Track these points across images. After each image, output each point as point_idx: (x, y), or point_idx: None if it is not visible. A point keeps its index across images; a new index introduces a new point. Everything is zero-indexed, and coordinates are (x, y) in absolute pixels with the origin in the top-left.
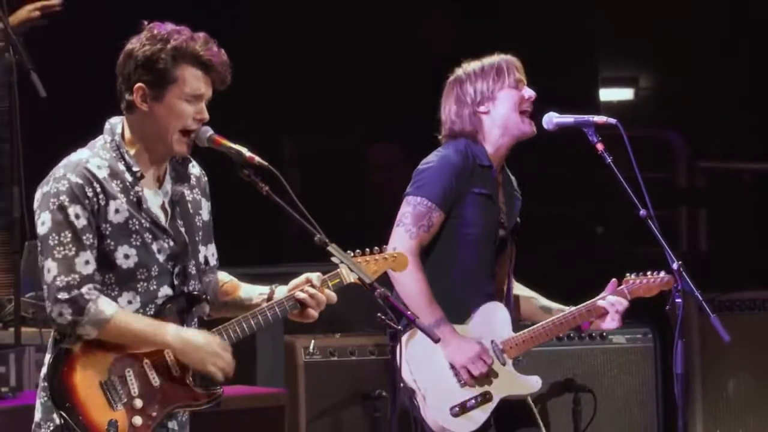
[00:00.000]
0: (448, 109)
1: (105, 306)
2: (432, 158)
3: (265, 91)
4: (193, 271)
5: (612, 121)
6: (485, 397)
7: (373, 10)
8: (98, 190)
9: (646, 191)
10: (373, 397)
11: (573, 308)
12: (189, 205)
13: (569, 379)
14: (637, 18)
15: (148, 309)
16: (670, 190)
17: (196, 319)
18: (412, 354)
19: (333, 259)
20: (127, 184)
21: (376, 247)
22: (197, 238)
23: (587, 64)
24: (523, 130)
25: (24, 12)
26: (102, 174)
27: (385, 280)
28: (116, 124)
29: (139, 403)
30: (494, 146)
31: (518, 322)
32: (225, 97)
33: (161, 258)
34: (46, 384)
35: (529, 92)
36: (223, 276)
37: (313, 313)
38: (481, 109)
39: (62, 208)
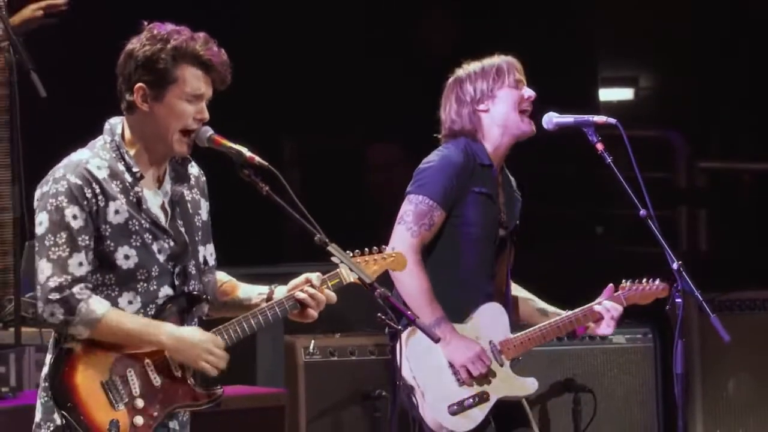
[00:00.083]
0: (448, 109)
1: (96, 305)
2: (433, 157)
3: (265, 91)
4: (194, 271)
5: (612, 120)
6: (482, 397)
7: (373, 10)
8: (97, 191)
9: (646, 191)
10: (373, 397)
11: (569, 312)
12: (189, 205)
13: (569, 378)
14: (637, 18)
15: (149, 309)
16: (670, 190)
17: (196, 319)
18: (412, 351)
19: (333, 258)
20: (127, 184)
21: (375, 247)
22: (197, 238)
23: (587, 64)
24: (523, 129)
25: (28, 11)
26: (102, 175)
27: (385, 279)
28: (116, 124)
29: (140, 402)
30: (494, 145)
31: (517, 323)
32: (225, 97)
33: (161, 258)
34: (47, 384)
35: (528, 92)
36: (222, 276)
37: (313, 313)
38: (481, 107)
39: (60, 209)
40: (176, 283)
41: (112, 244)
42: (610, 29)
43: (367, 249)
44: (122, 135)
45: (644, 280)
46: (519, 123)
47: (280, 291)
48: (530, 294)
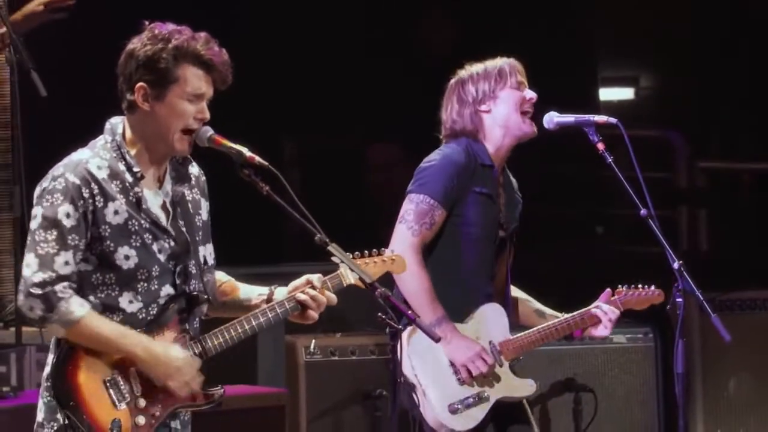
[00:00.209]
0: (450, 109)
1: (76, 307)
2: (434, 156)
3: (265, 91)
4: (194, 271)
5: (613, 120)
6: (482, 397)
7: (373, 10)
8: (96, 191)
9: (646, 191)
10: (374, 397)
11: (567, 315)
12: (189, 205)
13: (570, 378)
14: (637, 18)
15: (150, 308)
16: (670, 189)
17: (197, 319)
18: (413, 350)
19: (333, 258)
20: (127, 184)
21: (375, 249)
22: (198, 238)
23: (587, 64)
24: (525, 130)
25: (30, 6)
26: (102, 175)
27: (386, 278)
28: (117, 124)
29: (142, 402)
30: (495, 146)
31: (516, 324)
32: (225, 97)
33: (162, 258)
34: (49, 383)
35: (530, 93)
36: (221, 276)
37: (314, 314)
38: (483, 108)
39: (53, 206)
40: (177, 282)
41: (112, 245)
42: (610, 29)
43: (366, 251)
44: (123, 135)
45: (640, 286)
46: (520, 124)
47: (280, 292)
48: (527, 295)
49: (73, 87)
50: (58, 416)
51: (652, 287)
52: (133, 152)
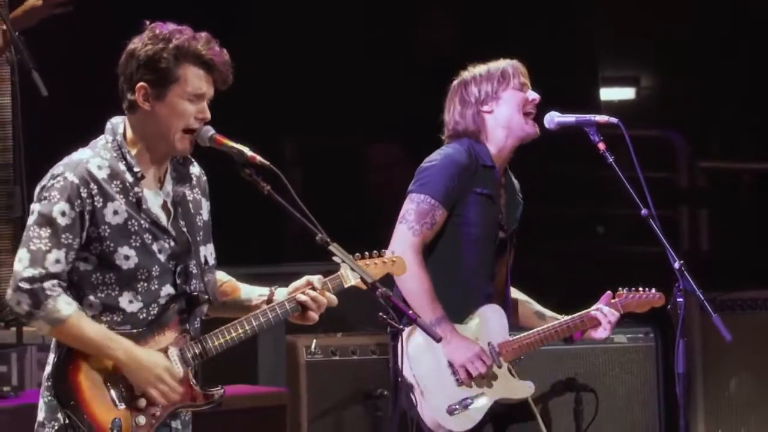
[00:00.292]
0: (452, 110)
1: (63, 306)
2: (435, 156)
3: (265, 91)
4: (195, 271)
5: (614, 120)
6: (479, 398)
7: (373, 10)
8: (95, 191)
9: (647, 191)
10: (375, 397)
11: (567, 317)
12: (190, 205)
13: (571, 378)
14: (638, 18)
15: (151, 308)
16: (671, 189)
17: (198, 319)
18: (412, 350)
19: (334, 258)
20: (127, 184)
21: (375, 251)
22: (198, 238)
23: (588, 64)
24: (527, 131)
25: (30, 1)
26: (101, 175)
27: (386, 278)
28: (118, 123)
29: (142, 402)
30: (497, 147)
31: (515, 326)
32: (226, 97)
33: (162, 258)
34: (50, 383)
35: (533, 95)
36: (222, 276)
37: (314, 315)
38: (485, 108)
39: (50, 204)
40: (178, 282)
41: (112, 245)
42: (611, 29)
43: (367, 252)
44: (124, 134)
45: (641, 289)
46: (523, 125)
47: (281, 293)
48: (527, 297)
49: (73, 87)
50: (59, 416)
51: (653, 290)
52: (133, 152)
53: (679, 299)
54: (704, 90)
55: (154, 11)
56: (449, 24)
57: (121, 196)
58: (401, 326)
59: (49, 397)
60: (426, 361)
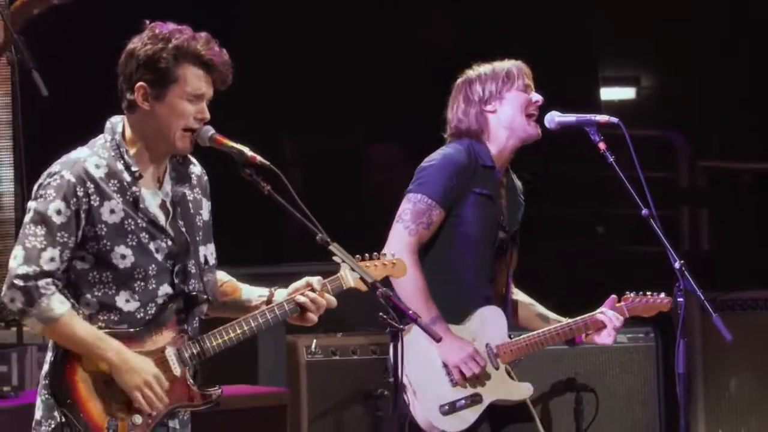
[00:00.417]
0: (456, 108)
1: (56, 305)
2: (435, 156)
3: (265, 91)
4: (194, 270)
5: (614, 120)
6: (475, 399)
7: (373, 10)
8: (91, 190)
9: (647, 190)
10: (375, 396)
11: (570, 320)
12: (190, 205)
13: (571, 378)
14: (638, 18)
15: (148, 308)
16: (671, 189)
17: (196, 318)
18: (405, 350)
19: (335, 258)
20: (125, 183)
21: (375, 253)
22: (198, 238)
23: (588, 64)
24: (529, 132)
25: None
26: (99, 174)
27: (384, 278)
28: (117, 123)
29: None
30: (499, 147)
31: (516, 327)
32: (225, 97)
33: (159, 257)
34: (47, 381)
35: (536, 96)
36: (222, 276)
37: (313, 317)
38: (488, 108)
39: (46, 202)
40: (176, 282)
41: (109, 243)
42: (611, 29)
43: (367, 254)
44: (123, 134)
45: (649, 293)
46: (525, 126)
47: (280, 294)
48: (531, 299)
49: (73, 87)
50: (56, 414)
51: (662, 294)
52: (132, 151)
53: (679, 299)
54: (704, 90)
55: (154, 11)
56: (449, 24)
57: (119, 195)
58: (402, 326)
59: (46, 396)
60: (419, 362)
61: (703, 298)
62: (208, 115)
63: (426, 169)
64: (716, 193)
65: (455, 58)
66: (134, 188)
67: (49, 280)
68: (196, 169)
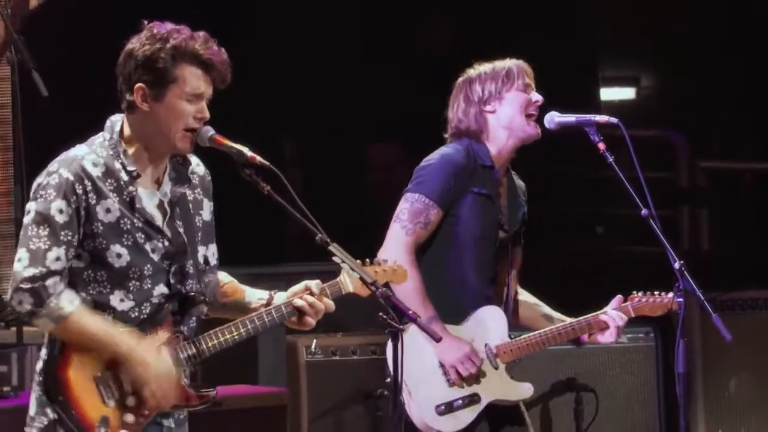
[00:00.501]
0: (456, 108)
1: (65, 303)
2: (433, 156)
3: (265, 91)
4: (192, 271)
5: (614, 120)
6: (473, 399)
7: (373, 10)
8: (89, 188)
9: (647, 191)
10: (375, 397)
11: (573, 320)
12: (189, 206)
13: (571, 378)
14: (637, 18)
15: (143, 307)
16: (671, 189)
17: (193, 319)
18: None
19: (334, 258)
20: (122, 183)
21: (377, 258)
22: (197, 239)
23: (587, 64)
24: (528, 132)
25: None
26: (96, 172)
27: None
28: (116, 121)
29: (132, 400)
30: (498, 147)
31: (516, 326)
32: (225, 97)
33: (156, 257)
34: (41, 378)
35: (536, 96)
36: (224, 277)
37: (311, 321)
38: (488, 108)
39: (47, 202)
40: (172, 281)
41: (105, 242)
42: (611, 29)
43: (368, 260)
44: (121, 132)
45: (656, 293)
46: (524, 126)
47: (280, 297)
48: (537, 299)
49: (73, 87)
50: (48, 410)
51: (670, 294)
52: (131, 151)
53: (679, 299)
54: (704, 90)
55: (154, 11)
56: (449, 24)
57: (115, 195)
58: (401, 326)
59: (39, 392)
60: (415, 362)
61: (702, 298)
62: (207, 115)
63: (424, 169)
64: (716, 193)
65: (455, 58)
66: (131, 188)
67: (57, 278)
68: (199, 169)
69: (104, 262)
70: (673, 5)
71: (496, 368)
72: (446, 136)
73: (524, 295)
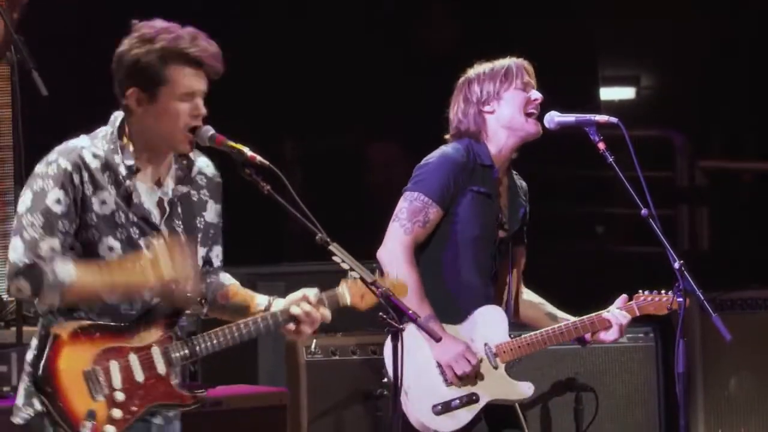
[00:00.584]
0: (456, 108)
1: (61, 273)
2: (433, 154)
3: (265, 91)
4: None
5: (614, 120)
6: (471, 399)
7: (373, 10)
8: (86, 178)
9: (647, 190)
10: (375, 397)
11: (577, 319)
12: (192, 206)
13: (571, 378)
14: (637, 18)
15: (134, 303)
16: (671, 189)
17: (183, 318)
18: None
19: (334, 258)
20: (120, 177)
21: (378, 274)
22: (196, 240)
23: (587, 64)
24: (528, 130)
25: None
26: (94, 164)
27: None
28: (119, 116)
29: (120, 396)
30: (498, 147)
31: (517, 323)
32: (226, 96)
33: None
34: (30, 369)
35: (536, 94)
36: (227, 279)
37: (306, 329)
38: (486, 108)
39: (43, 192)
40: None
41: (97, 234)
42: (611, 29)
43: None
44: (122, 128)
45: (663, 292)
46: (524, 124)
47: (278, 303)
48: (541, 299)
49: (73, 87)
50: (35, 401)
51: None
52: (131, 148)
53: (679, 299)
54: (704, 89)
55: (154, 11)
56: (449, 23)
57: (112, 188)
58: (402, 326)
59: (28, 383)
60: (411, 361)
61: (702, 297)
62: (203, 111)
63: (424, 167)
64: (716, 193)
65: (454, 57)
66: (128, 182)
67: (49, 257)
68: (208, 170)
69: (96, 254)
70: (673, 5)
71: (496, 368)
72: (447, 137)
73: (528, 295)
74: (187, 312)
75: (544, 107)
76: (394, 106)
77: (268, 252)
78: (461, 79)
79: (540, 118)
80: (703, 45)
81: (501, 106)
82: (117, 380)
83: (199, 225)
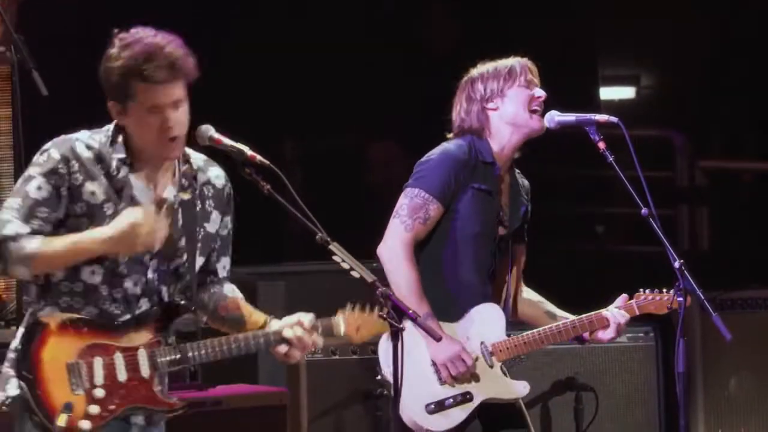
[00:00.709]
0: (459, 107)
1: (25, 244)
2: (434, 151)
3: (265, 91)
4: (186, 275)
5: (614, 119)
6: (465, 397)
7: (373, 10)
8: (74, 168)
9: (647, 190)
10: (375, 396)
11: (575, 318)
12: (193, 215)
13: (571, 377)
14: (637, 18)
15: (115, 292)
16: (671, 188)
17: (173, 323)
18: (389, 347)
19: (334, 257)
20: (112, 169)
21: (378, 307)
22: (196, 249)
23: (587, 64)
24: (532, 126)
25: None
26: (86, 154)
27: (382, 276)
28: None
29: (100, 392)
30: (501, 144)
31: (515, 321)
32: (226, 96)
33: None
34: (14, 356)
35: (539, 92)
36: (230, 291)
37: (296, 354)
38: (490, 106)
39: (30, 178)
40: (150, 277)
41: (87, 223)
42: (611, 29)
43: (368, 305)
44: (120, 127)
45: (664, 290)
46: (528, 120)
47: (274, 323)
48: (540, 297)
49: (73, 87)
50: (12, 386)
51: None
52: (125, 143)
53: (679, 299)
54: (704, 90)
55: (154, 11)
56: (449, 23)
57: (105, 179)
58: (402, 326)
59: (8, 367)
60: (405, 360)
61: (702, 297)
62: (173, 125)
63: (425, 164)
64: (716, 192)
65: (454, 57)
66: (121, 175)
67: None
68: (217, 181)
69: None
70: (673, 5)
71: (491, 366)
72: (449, 136)
73: (528, 293)
74: (182, 316)
75: (545, 107)
76: (394, 106)
77: (268, 252)
78: (464, 79)
79: (542, 116)
80: (703, 45)
81: (505, 103)
82: (99, 377)
83: (197, 235)
